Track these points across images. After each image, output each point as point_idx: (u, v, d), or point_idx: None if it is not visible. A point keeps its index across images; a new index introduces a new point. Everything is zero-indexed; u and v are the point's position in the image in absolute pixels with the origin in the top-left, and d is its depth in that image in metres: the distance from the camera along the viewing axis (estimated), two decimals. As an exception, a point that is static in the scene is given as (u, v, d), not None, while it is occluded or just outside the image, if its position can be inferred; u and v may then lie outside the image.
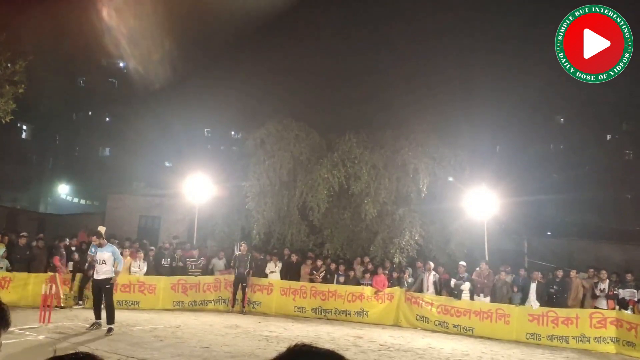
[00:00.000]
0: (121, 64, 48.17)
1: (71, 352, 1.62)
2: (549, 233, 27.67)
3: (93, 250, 12.12)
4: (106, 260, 11.81)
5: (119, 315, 12.17)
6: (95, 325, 11.73)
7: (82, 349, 9.82)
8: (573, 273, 15.32)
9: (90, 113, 48.57)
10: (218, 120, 43.46)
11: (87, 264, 14.40)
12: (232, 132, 48.19)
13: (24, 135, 44.27)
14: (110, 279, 12.00)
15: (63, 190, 44.44)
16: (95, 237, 12.24)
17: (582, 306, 14.80)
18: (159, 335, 12.04)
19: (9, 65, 13.63)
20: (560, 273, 15.52)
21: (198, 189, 18.63)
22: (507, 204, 18.68)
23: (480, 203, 16.88)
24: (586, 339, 13.91)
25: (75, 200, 44.53)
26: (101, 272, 11.85)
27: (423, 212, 19.43)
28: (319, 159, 19.96)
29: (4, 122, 13.88)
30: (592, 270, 15.68)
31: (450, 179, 19.80)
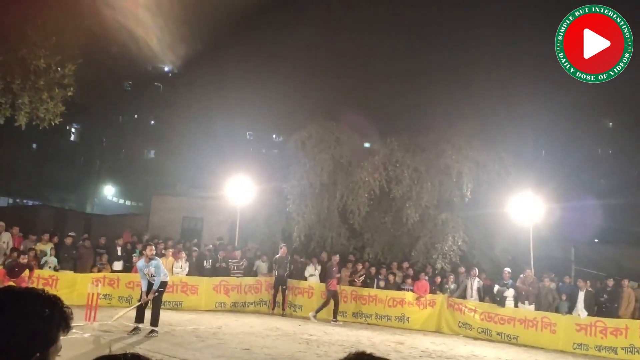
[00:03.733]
0: (166, 69, 49.12)
1: (121, 353, 1.62)
2: (596, 240, 26.86)
3: (143, 264, 12.07)
4: (154, 273, 11.94)
5: (161, 315, 12.29)
6: (136, 330, 11.83)
7: (127, 347, 9.98)
8: (625, 282, 14.80)
9: (135, 116, 49.67)
10: (259, 123, 43.79)
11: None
12: (273, 135, 48.52)
13: (72, 137, 45.52)
14: (165, 283, 12.20)
15: (109, 191, 45.47)
16: (146, 252, 12.29)
17: (633, 317, 14.29)
18: (200, 336, 12.16)
19: (59, 69, 13.98)
20: (611, 282, 15.03)
21: (240, 190, 18.76)
22: (553, 210, 18.17)
23: (525, 208, 16.46)
24: (636, 350, 13.45)
25: (121, 201, 45.51)
26: (156, 281, 11.93)
27: (466, 217, 19.05)
28: (360, 161, 19.82)
29: (53, 124, 14.24)
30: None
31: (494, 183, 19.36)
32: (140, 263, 12.26)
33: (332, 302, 16.19)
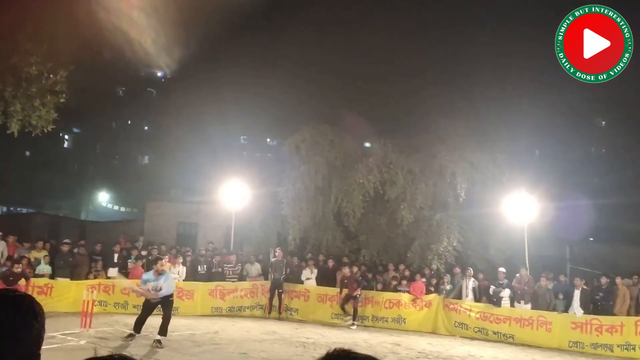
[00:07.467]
0: (159, 74, 49.10)
1: (107, 354, 1.60)
2: (591, 239, 26.93)
3: (150, 277, 11.67)
4: (162, 286, 11.55)
5: (158, 320, 12.17)
6: (131, 337, 11.53)
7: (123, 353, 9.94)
8: (619, 280, 14.84)
9: (129, 122, 49.63)
10: (254, 127, 43.86)
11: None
12: (268, 139, 48.56)
13: (65, 144, 45.46)
14: (172, 294, 11.95)
15: (103, 197, 45.35)
16: (157, 266, 11.84)
17: (628, 314, 14.34)
18: (197, 341, 12.13)
19: (51, 75, 13.91)
20: (605, 280, 15.07)
21: (235, 195, 18.75)
22: (547, 209, 18.21)
23: (520, 208, 16.51)
24: (631, 347, 13.49)
25: (115, 207, 45.39)
26: (162, 293, 11.59)
27: (461, 217, 19.08)
28: (354, 164, 19.84)
29: (46, 131, 14.18)
30: (636, 276, 15.22)
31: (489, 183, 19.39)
32: (147, 275, 11.82)
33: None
